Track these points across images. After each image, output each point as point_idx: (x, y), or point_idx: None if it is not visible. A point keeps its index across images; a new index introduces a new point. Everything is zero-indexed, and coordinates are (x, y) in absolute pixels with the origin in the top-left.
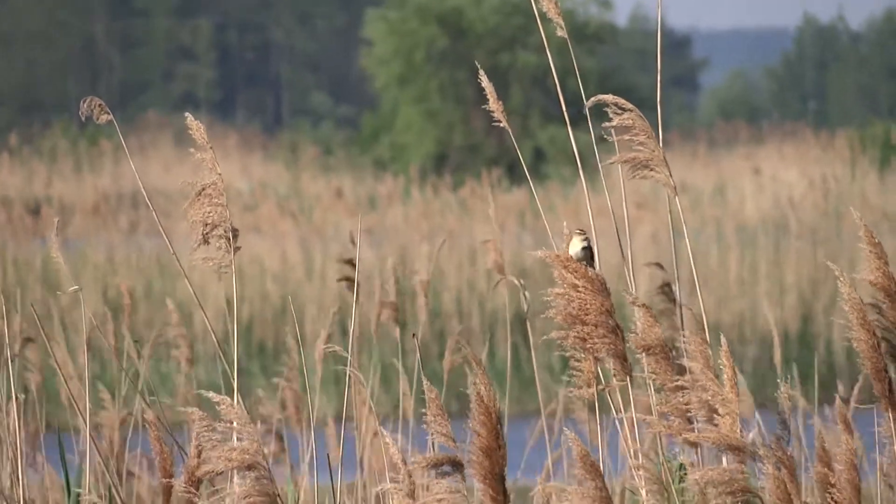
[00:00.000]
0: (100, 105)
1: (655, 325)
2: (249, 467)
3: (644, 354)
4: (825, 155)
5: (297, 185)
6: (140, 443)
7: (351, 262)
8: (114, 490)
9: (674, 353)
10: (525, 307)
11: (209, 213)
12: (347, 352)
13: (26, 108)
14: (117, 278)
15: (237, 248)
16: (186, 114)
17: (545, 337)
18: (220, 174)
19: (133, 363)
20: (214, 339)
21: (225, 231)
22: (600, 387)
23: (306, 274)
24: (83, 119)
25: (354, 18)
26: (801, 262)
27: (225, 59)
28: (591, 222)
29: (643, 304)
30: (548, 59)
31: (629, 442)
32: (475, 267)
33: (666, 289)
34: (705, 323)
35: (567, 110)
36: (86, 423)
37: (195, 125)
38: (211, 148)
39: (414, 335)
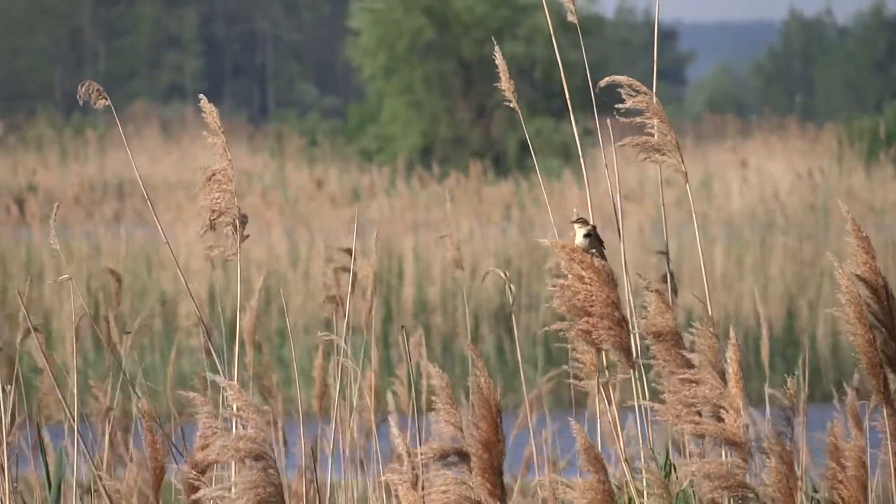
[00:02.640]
0: (98, 90)
1: (667, 311)
2: (257, 457)
3: (653, 341)
4: (812, 149)
5: (283, 175)
6: (132, 435)
7: (348, 251)
8: (99, 483)
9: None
10: (510, 300)
11: (217, 199)
12: (339, 343)
13: (11, 96)
14: (102, 268)
15: (246, 236)
16: (200, 95)
17: (546, 328)
18: (230, 160)
19: (117, 355)
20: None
21: (233, 218)
22: (603, 379)
23: (291, 264)
24: (80, 103)
25: (340, 8)
26: (787, 256)
27: (211, 49)
28: (584, 213)
29: (656, 290)
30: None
31: (619, 434)
32: (460, 259)
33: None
34: (710, 311)
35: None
36: (73, 415)
37: (209, 109)
38: (223, 132)
39: (403, 327)
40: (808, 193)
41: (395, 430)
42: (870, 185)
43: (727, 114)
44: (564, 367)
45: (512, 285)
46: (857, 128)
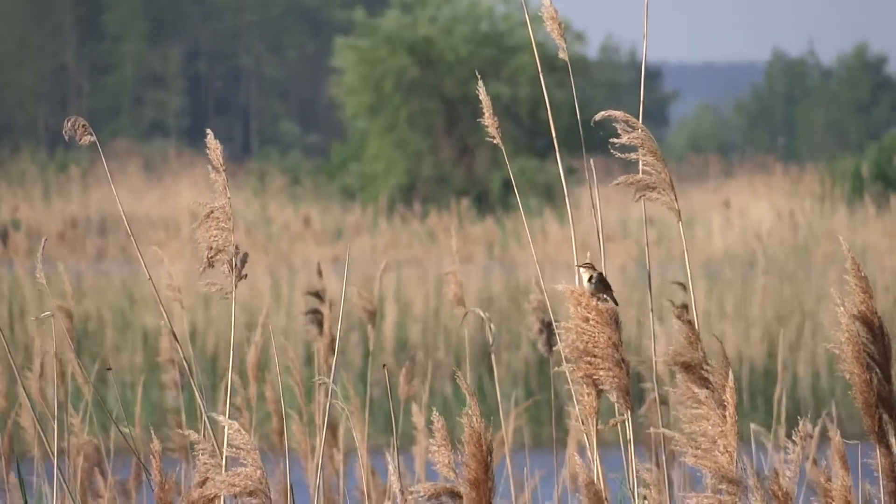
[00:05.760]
0: (83, 126)
1: (697, 342)
2: (252, 493)
3: (680, 371)
4: (795, 189)
5: (265, 213)
6: (112, 470)
7: (318, 295)
8: None
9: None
10: (490, 340)
11: (215, 236)
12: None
13: None
14: (85, 304)
15: (244, 276)
16: (208, 130)
17: (556, 369)
18: (229, 198)
19: (97, 390)
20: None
21: (229, 256)
22: (610, 422)
23: (274, 302)
24: (66, 139)
25: (324, 47)
26: (768, 296)
27: (194, 86)
28: (567, 252)
29: (688, 321)
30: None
31: (600, 472)
32: (441, 297)
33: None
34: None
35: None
36: (53, 451)
37: (214, 145)
38: (224, 170)
39: (384, 366)
40: (790, 234)
41: (391, 469)
42: (852, 225)
43: (710, 154)
44: (538, 397)
45: (492, 325)
46: (839, 168)
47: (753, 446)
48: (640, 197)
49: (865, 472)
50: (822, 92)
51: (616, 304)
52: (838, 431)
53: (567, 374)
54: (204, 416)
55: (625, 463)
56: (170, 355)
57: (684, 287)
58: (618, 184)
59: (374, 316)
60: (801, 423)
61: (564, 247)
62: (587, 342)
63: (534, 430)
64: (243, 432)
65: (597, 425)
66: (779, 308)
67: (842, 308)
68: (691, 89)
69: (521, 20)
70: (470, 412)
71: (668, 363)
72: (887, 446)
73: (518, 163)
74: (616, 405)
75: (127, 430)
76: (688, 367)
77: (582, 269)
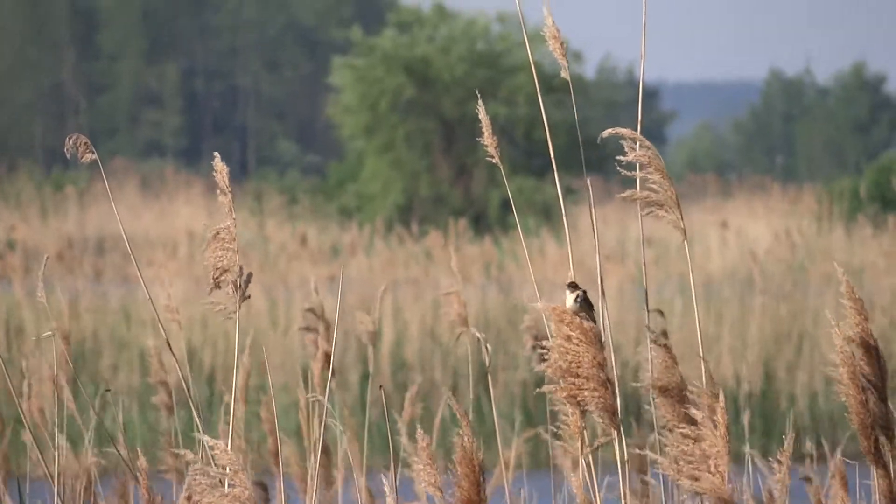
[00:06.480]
0: (85, 143)
1: (674, 366)
2: None
3: (658, 395)
4: (793, 209)
5: (262, 232)
6: (107, 492)
7: (313, 311)
8: None
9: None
10: (487, 361)
11: (220, 257)
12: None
13: None
14: (82, 324)
15: (247, 296)
16: (215, 154)
17: (538, 390)
18: (234, 218)
19: (94, 411)
20: (185, 386)
21: (235, 276)
22: (594, 444)
23: (270, 322)
24: (67, 156)
25: (321, 66)
26: (766, 317)
27: (191, 105)
28: (565, 272)
29: (664, 344)
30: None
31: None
32: (438, 317)
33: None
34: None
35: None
36: (51, 474)
37: (220, 167)
38: (230, 192)
39: (381, 387)
40: (787, 253)
41: (386, 489)
42: (849, 245)
43: (707, 173)
44: (541, 427)
45: (488, 345)
46: (837, 188)
47: (749, 467)
48: (648, 213)
49: (863, 492)
50: (820, 111)
51: (595, 322)
52: (840, 451)
53: (551, 394)
54: (199, 437)
55: (621, 484)
56: (161, 377)
57: (662, 314)
58: (623, 197)
59: (374, 337)
60: (786, 442)
61: (562, 267)
62: (570, 362)
63: (531, 452)
64: (229, 452)
65: (583, 446)
66: (776, 327)
67: (836, 330)
68: (689, 108)
69: (518, 40)
70: (462, 432)
71: (646, 388)
72: (884, 467)
73: (515, 183)
74: (602, 426)
75: (125, 453)
76: (665, 391)
77: (568, 289)
